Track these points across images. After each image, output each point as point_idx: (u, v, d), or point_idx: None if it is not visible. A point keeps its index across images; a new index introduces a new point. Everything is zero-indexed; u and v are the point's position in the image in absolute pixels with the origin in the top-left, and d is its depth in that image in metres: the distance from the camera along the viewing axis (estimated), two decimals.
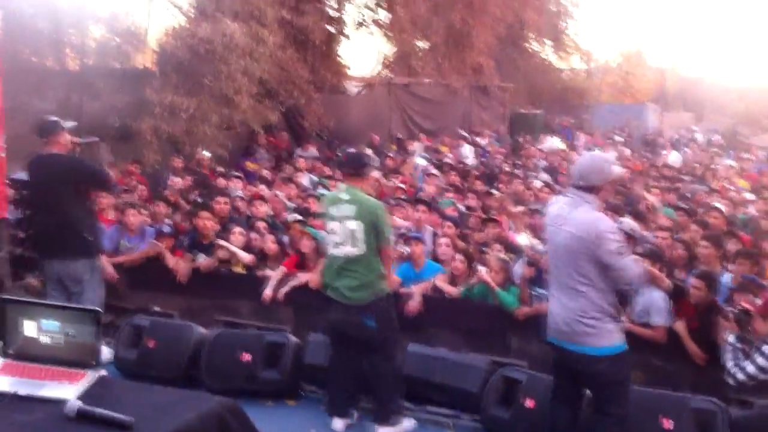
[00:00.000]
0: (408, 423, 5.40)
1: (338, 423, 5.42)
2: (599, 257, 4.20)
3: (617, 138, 20.57)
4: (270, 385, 5.79)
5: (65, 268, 6.19)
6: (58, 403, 2.67)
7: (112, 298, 7.48)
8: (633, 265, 4.38)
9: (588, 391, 4.61)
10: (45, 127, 6.16)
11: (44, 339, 2.93)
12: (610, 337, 4.29)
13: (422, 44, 19.89)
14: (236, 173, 11.11)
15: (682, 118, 26.35)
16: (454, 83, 20.34)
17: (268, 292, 6.94)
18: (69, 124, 6.37)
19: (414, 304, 6.51)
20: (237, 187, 10.28)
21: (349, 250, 5.18)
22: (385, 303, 5.30)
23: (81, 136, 6.69)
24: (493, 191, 10.26)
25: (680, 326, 5.86)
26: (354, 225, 5.15)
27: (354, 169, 5.40)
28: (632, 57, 33.29)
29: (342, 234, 5.19)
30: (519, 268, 6.58)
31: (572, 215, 4.33)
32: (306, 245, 7.19)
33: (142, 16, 13.43)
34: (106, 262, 7.33)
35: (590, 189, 4.35)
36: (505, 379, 5.43)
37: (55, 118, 6.30)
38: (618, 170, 4.63)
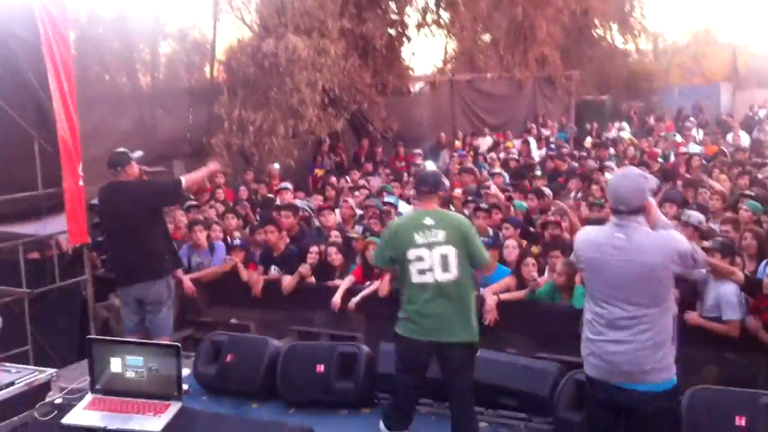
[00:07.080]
0: None
1: None
2: (682, 274, 4.03)
3: (688, 123, 19.90)
4: (345, 395, 5.93)
5: (146, 291, 6.40)
6: None
7: (191, 312, 7.84)
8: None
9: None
10: (115, 160, 6.36)
11: (129, 374, 3.16)
12: (670, 371, 3.94)
13: (484, 38, 19.81)
14: (285, 186, 10.81)
15: (756, 96, 25.50)
16: (518, 76, 20.24)
17: (336, 300, 7.16)
18: (137, 154, 6.56)
19: (491, 315, 6.61)
20: (286, 199, 10.10)
21: (441, 275, 4.86)
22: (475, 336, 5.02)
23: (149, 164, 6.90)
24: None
25: (752, 322, 5.82)
26: (446, 250, 4.87)
27: (433, 188, 5.10)
28: (701, 35, 32.34)
29: (431, 260, 4.86)
30: None
31: (633, 242, 3.89)
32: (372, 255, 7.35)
33: (207, 29, 13.67)
34: (184, 278, 7.65)
35: (636, 212, 3.94)
36: (576, 382, 5.49)
37: (124, 150, 6.50)
38: (654, 181, 4.21)
